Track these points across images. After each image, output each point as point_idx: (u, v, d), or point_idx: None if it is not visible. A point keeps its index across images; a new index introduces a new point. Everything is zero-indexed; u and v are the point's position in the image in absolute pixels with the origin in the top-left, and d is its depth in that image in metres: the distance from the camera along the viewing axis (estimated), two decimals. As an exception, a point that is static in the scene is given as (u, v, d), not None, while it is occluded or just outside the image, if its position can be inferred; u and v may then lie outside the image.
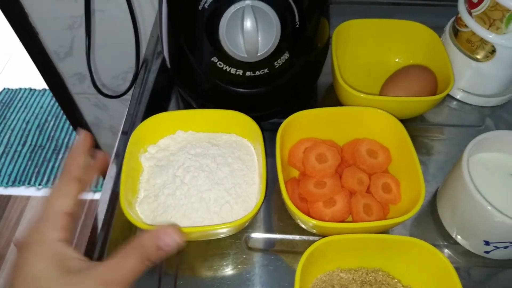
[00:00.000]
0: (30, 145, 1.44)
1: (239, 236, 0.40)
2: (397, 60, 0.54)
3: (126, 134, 0.48)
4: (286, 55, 0.41)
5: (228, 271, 0.39)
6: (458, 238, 0.40)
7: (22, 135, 1.47)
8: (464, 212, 0.38)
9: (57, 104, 1.24)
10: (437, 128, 0.50)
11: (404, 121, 0.42)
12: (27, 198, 1.32)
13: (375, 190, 0.40)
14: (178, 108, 0.52)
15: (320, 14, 0.43)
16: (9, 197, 1.32)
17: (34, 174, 1.37)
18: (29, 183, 1.35)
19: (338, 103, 0.48)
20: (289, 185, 0.40)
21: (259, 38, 0.38)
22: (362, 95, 0.43)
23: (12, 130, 1.48)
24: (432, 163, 0.46)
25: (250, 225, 0.41)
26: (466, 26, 0.47)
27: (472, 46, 0.47)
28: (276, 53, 0.40)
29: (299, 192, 0.40)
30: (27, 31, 0.74)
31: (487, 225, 0.36)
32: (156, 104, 0.52)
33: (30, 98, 1.58)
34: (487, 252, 0.38)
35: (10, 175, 1.37)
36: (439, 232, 0.41)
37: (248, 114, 0.42)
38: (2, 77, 1.66)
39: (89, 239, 0.40)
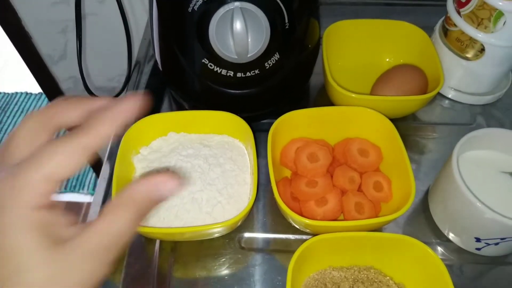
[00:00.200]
0: (27, 149, 1.44)
1: (232, 236, 0.40)
2: (387, 60, 0.54)
3: (119, 135, 0.48)
4: (276, 56, 0.41)
5: (222, 271, 0.39)
6: (450, 236, 0.40)
7: (18, 139, 1.47)
8: (455, 209, 0.38)
9: (52, 108, 1.24)
10: (429, 127, 0.50)
11: (396, 120, 0.42)
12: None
13: (366, 188, 0.40)
14: (171, 109, 0.52)
15: (309, 15, 0.43)
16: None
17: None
18: (25, 187, 1.35)
19: (329, 103, 0.48)
20: (281, 184, 0.41)
21: (249, 40, 0.38)
22: (353, 95, 0.43)
23: (9, 135, 1.48)
24: (424, 161, 0.47)
25: (243, 225, 0.41)
26: (455, 25, 0.47)
27: (461, 45, 0.48)
28: (266, 54, 0.40)
29: (291, 192, 0.41)
30: (20, 36, 0.75)
31: (478, 222, 0.36)
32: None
33: (27, 102, 1.58)
34: (478, 249, 0.39)
35: (6, 180, 1.36)
36: (431, 230, 0.41)
37: (239, 115, 0.42)
38: (-2, 82, 1.66)
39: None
